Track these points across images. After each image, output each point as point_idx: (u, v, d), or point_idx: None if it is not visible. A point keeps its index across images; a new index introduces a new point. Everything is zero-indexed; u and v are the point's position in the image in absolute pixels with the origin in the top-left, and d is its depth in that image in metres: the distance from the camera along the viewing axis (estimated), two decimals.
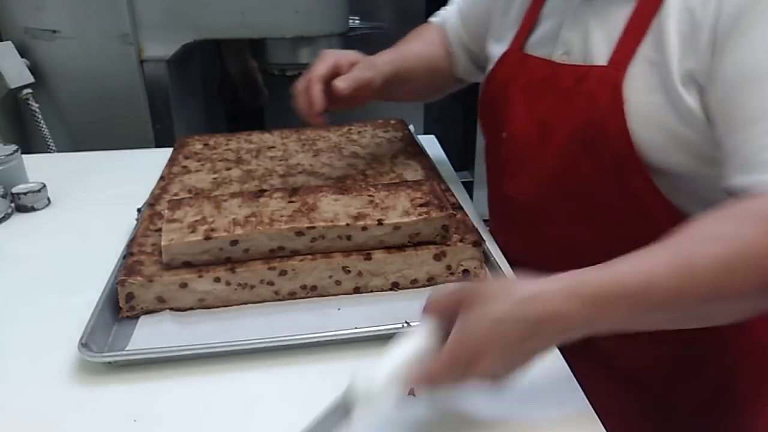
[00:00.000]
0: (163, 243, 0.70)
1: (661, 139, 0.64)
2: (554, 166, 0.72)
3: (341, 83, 0.81)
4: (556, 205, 0.66)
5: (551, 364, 0.64)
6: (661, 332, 0.58)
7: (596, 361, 0.61)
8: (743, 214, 0.53)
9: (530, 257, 0.73)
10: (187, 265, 0.70)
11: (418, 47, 0.97)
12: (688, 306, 0.51)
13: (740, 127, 0.57)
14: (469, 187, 2.08)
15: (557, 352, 0.65)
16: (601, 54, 0.69)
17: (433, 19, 1.03)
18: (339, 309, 0.71)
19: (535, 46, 0.79)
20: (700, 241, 0.52)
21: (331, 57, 0.85)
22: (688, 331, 0.59)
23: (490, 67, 0.85)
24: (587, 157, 0.68)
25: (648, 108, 0.64)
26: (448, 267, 0.75)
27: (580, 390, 0.60)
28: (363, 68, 0.85)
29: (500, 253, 0.81)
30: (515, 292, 0.49)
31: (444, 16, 1.01)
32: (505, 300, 0.49)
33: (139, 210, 0.87)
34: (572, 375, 0.62)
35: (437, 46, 0.99)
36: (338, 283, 0.73)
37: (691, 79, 0.62)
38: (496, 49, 0.84)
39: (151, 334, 0.67)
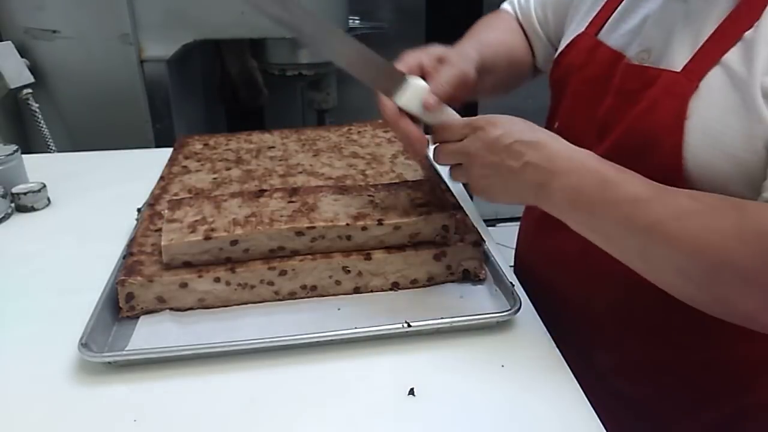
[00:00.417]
0: (163, 243, 0.70)
1: (723, 164, 0.57)
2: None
3: (432, 100, 0.66)
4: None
5: (551, 364, 0.64)
6: (667, 361, 0.68)
7: (594, 377, 0.63)
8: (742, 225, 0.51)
9: (554, 256, 0.77)
10: (187, 265, 0.70)
11: (497, 35, 0.87)
12: (632, 224, 0.55)
13: None
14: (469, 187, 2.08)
15: (558, 353, 0.65)
16: (680, 59, 0.61)
17: (506, 6, 0.95)
18: (339, 309, 0.71)
19: (613, 35, 0.72)
20: (679, 192, 0.55)
21: (412, 59, 0.70)
22: (698, 368, 0.66)
23: (562, 47, 0.79)
24: (633, 165, 0.60)
25: (717, 127, 0.57)
26: (448, 267, 0.75)
27: (581, 391, 0.60)
28: (454, 62, 0.70)
29: (500, 252, 0.81)
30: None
31: (520, 2, 0.92)
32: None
33: (139, 210, 0.87)
34: (572, 375, 0.62)
35: (516, 34, 0.90)
36: (338, 283, 0.73)
37: None
38: (572, 28, 0.79)
39: (151, 334, 0.67)
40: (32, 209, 0.98)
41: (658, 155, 0.61)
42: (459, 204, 0.86)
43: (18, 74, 1.51)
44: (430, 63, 0.69)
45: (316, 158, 1.00)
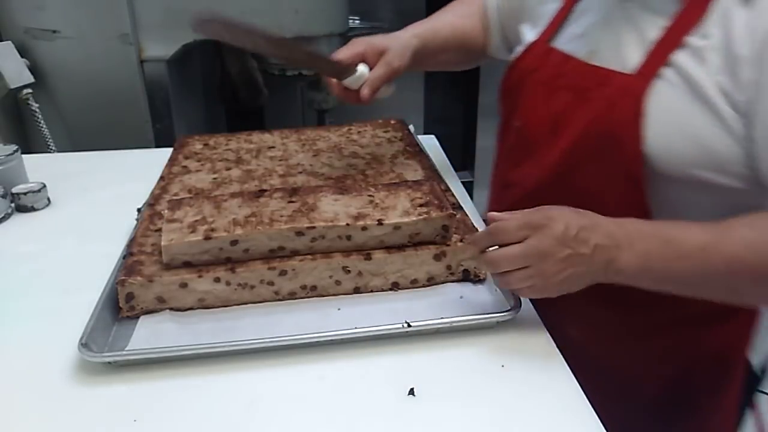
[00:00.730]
0: (163, 243, 0.70)
1: (684, 150, 0.65)
2: (560, 162, 0.73)
3: (366, 91, 0.84)
4: (556, 199, 0.68)
5: (551, 364, 0.64)
6: (627, 328, 0.76)
7: (571, 346, 0.67)
8: None
9: None
10: (187, 265, 0.70)
11: (453, 20, 0.97)
12: (710, 267, 0.59)
13: None
14: (469, 187, 2.08)
15: (558, 353, 0.65)
16: (630, 60, 0.68)
17: None
18: (339, 309, 0.71)
19: (564, 41, 0.79)
20: (734, 225, 0.60)
21: (358, 47, 0.85)
22: (651, 329, 0.75)
23: (516, 55, 0.85)
24: (595, 160, 0.70)
25: (678, 117, 0.64)
26: (448, 267, 0.75)
27: (580, 389, 0.60)
28: (389, 60, 0.85)
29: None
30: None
31: None
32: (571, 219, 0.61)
33: (139, 210, 0.87)
34: (572, 375, 0.62)
35: (474, 20, 0.98)
36: (338, 283, 0.73)
37: (727, 95, 0.62)
38: (528, 36, 0.85)
39: (151, 334, 0.67)
40: (32, 209, 0.98)
41: (620, 152, 0.67)
42: (459, 204, 0.86)
43: (18, 74, 1.51)
44: (371, 55, 0.85)
45: (316, 158, 1.00)
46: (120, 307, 0.69)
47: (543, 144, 0.76)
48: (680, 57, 0.64)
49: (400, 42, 0.87)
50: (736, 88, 0.61)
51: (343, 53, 0.85)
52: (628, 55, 0.69)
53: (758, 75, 0.60)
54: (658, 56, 0.66)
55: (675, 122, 0.64)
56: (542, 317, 0.70)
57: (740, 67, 0.61)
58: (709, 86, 0.63)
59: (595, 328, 0.79)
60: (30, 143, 1.59)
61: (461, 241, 0.75)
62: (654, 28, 0.67)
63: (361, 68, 0.84)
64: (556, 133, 0.74)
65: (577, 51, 0.75)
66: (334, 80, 0.85)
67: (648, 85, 0.65)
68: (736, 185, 0.64)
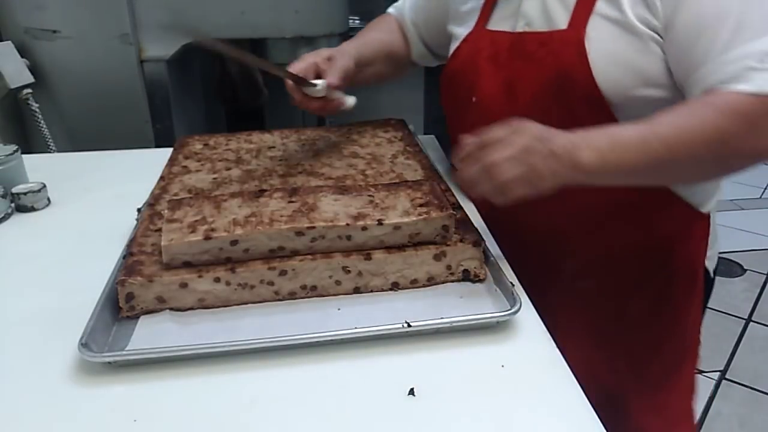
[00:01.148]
0: (163, 243, 0.70)
1: (622, 76, 0.77)
2: (525, 117, 0.78)
3: (333, 78, 0.94)
4: None
5: (551, 364, 0.64)
6: (615, 257, 0.88)
7: (562, 285, 0.77)
8: (721, 106, 0.68)
9: (503, 211, 0.85)
10: (187, 265, 0.70)
11: (378, 35, 1.09)
12: (653, 152, 0.68)
13: (699, 65, 0.71)
14: None
15: (558, 353, 0.65)
16: (560, 20, 0.81)
17: (391, 10, 1.14)
18: (339, 309, 0.71)
19: (498, 23, 0.89)
20: (660, 115, 0.69)
21: (311, 60, 0.95)
22: (635, 247, 0.87)
23: (455, 45, 0.95)
24: (557, 105, 0.80)
25: (611, 52, 0.77)
26: (448, 267, 0.75)
27: (581, 391, 0.60)
28: (339, 59, 0.96)
29: (500, 252, 0.81)
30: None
31: (400, 6, 1.13)
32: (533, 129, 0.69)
33: (139, 210, 0.87)
34: (572, 375, 0.62)
35: (395, 33, 1.10)
36: (338, 283, 0.73)
37: (646, 22, 0.75)
38: (460, 31, 0.95)
39: (151, 334, 0.67)
40: (32, 209, 0.98)
41: (578, 90, 0.78)
42: (459, 204, 0.86)
43: (18, 74, 1.51)
44: (322, 63, 0.95)
45: (316, 158, 1.00)
46: (120, 307, 0.69)
47: (502, 110, 0.82)
48: (600, 5, 0.78)
49: (343, 51, 1.00)
50: (652, 15, 0.74)
51: (298, 66, 0.93)
52: (557, 19, 0.81)
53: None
54: (583, 10, 0.78)
55: (611, 57, 0.77)
56: (540, 250, 0.80)
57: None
58: (630, 20, 0.75)
59: (588, 260, 0.92)
60: (30, 143, 1.59)
61: (461, 241, 0.75)
62: None
63: (320, 81, 0.94)
64: (512, 96, 0.82)
65: (515, 26, 0.86)
66: (296, 89, 0.94)
67: (582, 33, 0.78)
68: (672, 95, 0.76)
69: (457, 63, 0.94)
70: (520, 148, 0.67)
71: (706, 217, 0.89)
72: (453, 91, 0.96)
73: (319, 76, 0.94)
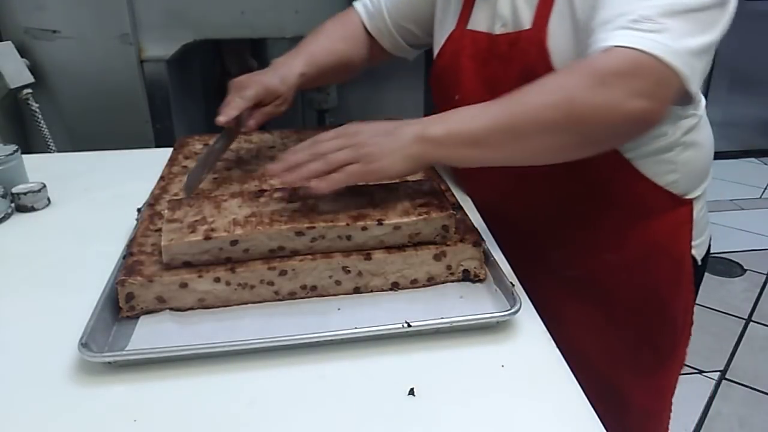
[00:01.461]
0: (163, 243, 0.70)
1: None
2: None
3: (252, 123, 0.93)
4: None
5: (551, 364, 0.64)
6: (601, 246, 0.89)
7: (548, 273, 0.77)
8: (575, 67, 0.69)
9: (492, 198, 0.92)
10: (187, 265, 0.70)
11: (331, 46, 1.03)
12: (497, 120, 0.69)
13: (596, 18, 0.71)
14: None
15: (558, 353, 0.65)
16: (526, 20, 0.83)
17: (357, 5, 1.08)
18: (339, 309, 0.71)
19: (477, 23, 0.91)
20: (529, 91, 0.69)
21: (252, 90, 0.90)
22: (623, 246, 0.89)
23: (440, 45, 0.96)
24: None
25: (570, 49, 0.79)
26: (448, 267, 0.75)
27: (581, 391, 0.60)
28: (279, 104, 0.94)
29: (500, 252, 0.81)
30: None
31: (368, 7, 1.07)
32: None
33: (139, 210, 0.87)
34: (572, 375, 0.62)
35: (351, 42, 1.06)
36: (338, 283, 0.73)
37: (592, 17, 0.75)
38: (444, 29, 0.96)
39: (151, 334, 0.67)
40: (32, 209, 0.98)
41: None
42: (459, 204, 0.86)
43: (18, 74, 1.51)
44: (266, 97, 0.91)
45: None
46: (120, 307, 0.69)
47: None
48: (558, 3, 0.79)
49: (288, 83, 0.94)
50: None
51: (237, 106, 0.89)
52: (524, 19, 0.83)
53: None
54: (544, 9, 0.81)
55: (570, 54, 0.78)
56: (525, 242, 0.82)
57: None
58: (580, 16, 0.76)
59: (570, 247, 0.94)
60: (30, 143, 1.59)
61: (461, 241, 0.75)
62: None
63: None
64: (494, 95, 0.82)
65: (494, 28, 0.88)
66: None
67: (544, 32, 0.80)
68: None
69: (443, 61, 0.95)
70: (351, 135, 0.72)
71: (688, 203, 0.89)
72: (440, 89, 0.98)
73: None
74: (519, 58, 0.83)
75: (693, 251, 0.92)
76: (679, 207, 0.89)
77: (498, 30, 0.87)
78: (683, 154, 0.86)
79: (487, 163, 0.73)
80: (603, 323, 0.94)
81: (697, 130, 0.87)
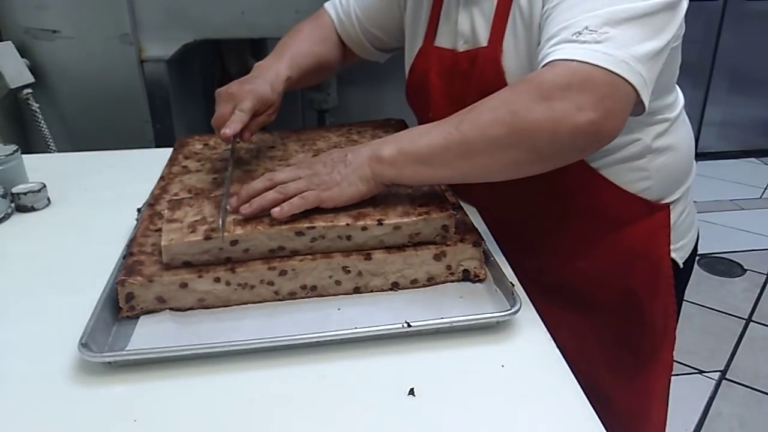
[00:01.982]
0: (163, 243, 0.70)
1: None
2: None
3: (248, 135, 0.91)
4: None
5: (551, 364, 0.64)
6: (574, 254, 0.91)
7: (525, 278, 0.77)
8: (521, 83, 0.69)
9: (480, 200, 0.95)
10: (187, 265, 0.70)
11: (311, 48, 1.03)
12: (454, 159, 0.69)
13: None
14: None
15: (558, 353, 0.65)
16: (482, 37, 0.84)
17: (328, 6, 1.08)
18: (339, 309, 0.71)
19: (443, 39, 0.92)
20: (478, 108, 0.69)
21: (249, 102, 0.88)
22: (595, 254, 0.90)
23: (411, 61, 0.98)
24: None
25: (524, 66, 0.80)
26: (448, 267, 0.75)
27: (581, 391, 0.60)
28: (267, 115, 0.93)
29: (500, 252, 0.81)
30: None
31: (339, 11, 1.06)
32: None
33: (139, 210, 0.87)
34: (572, 375, 0.62)
35: (328, 45, 1.06)
36: (338, 283, 0.73)
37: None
38: (415, 45, 0.97)
39: (151, 334, 0.67)
40: (32, 209, 0.98)
41: None
42: (459, 204, 0.86)
43: (18, 74, 1.51)
44: (261, 107, 0.90)
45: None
46: (120, 307, 0.69)
47: None
48: (512, 20, 0.81)
49: (276, 90, 0.94)
50: None
51: (240, 119, 0.87)
52: (481, 36, 0.85)
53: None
54: (498, 26, 0.82)
55: (524, 70, 0.79)
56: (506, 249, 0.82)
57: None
58: (536, 32, 0.77)
59: (546, 257, 0.95)
60: (30, 143, 1.59)
61: (461, 241, 0.75)
62: (492, 6, 0.83)
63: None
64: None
65: (457, 45, 0.89)
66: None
67: (499, 49, 0.82)
68: None
69: (414, 77, 0.97)
70: (305, 167, 0.75)
71: (664, 208, 0.88)
72: (415, 105, 0.99)
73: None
74: (478, 76, 0.84)
75: (673, 254, 0.91)
76: (655, 213, 0.88)
77: (461, 47, 0.88)
78: (656, 160, 0.85)
79: (443, 181, 0.74)
80: (580, 325, 0.94)
81: (669, 134, 0.86)
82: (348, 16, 1.05)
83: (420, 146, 0.71)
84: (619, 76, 0.64)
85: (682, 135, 0.89)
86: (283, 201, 0.72)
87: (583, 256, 0.92)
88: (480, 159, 0.69)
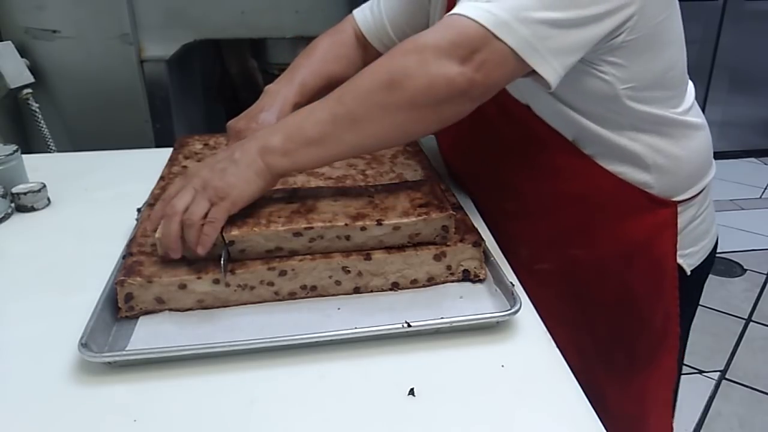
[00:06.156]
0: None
1: (523, 86, 0.79)
2: (473, 121, 0.80)
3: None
4: (474, 145, 0.92)
5: (551, 364, 0.64)
6: (568, 241, 0.91)
7: (520, 266, 0.78)
8: (402, 43, 0.69)
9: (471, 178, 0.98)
10: (185, 261, 0.70)
11: (321, 68, 0.99)
12: (344, 133, 0.69)
13: None
14: None
15: (558, 353, 0.65)
16: None
17: (357, 13, 1.04)
18: (339, 309, 0.71)
19: None
20: (357, 78, 0.69)
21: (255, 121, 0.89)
22: (592, 242, 0.89)
23: None
24: (493, 104, 0.77)
25: None
26: (448, 267, 0.75)
27: (581, 391, 0.60)
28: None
29: (500, 252, 0.81)
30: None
31: (367, 16, 1.03)
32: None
33: (139, 210, 0.87)
34: (572, 375, 0.62)
35: (345, 61, 1.01)
36: (338, 283, 0.73)
37: None
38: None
39: (151, 334, 0.67)
40: (32, 209, 0.98)
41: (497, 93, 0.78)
42: (459, 204, 0.86)
43: (18, 74, 1.51)
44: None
45: None
46: (119, 307, 0.69)
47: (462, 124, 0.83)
48: None
49: (280, 106, 0.92)
50: None
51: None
52: None
53: None
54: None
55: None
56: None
57: None
58: None
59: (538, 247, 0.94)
60: (30, 143, 1.59)
61: (461, 241, 0.75)
62: None
63: None
64: (478, 115, 0.82)
65: None
66: None
67: None
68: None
69: None
70: (192, 177, 0.71)
71: (671, 205, 0.86)
72: None
73: None
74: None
75: (680, 260, 0.89)
76: (659, 209, 0.86)
77: None
78: (654, 156, 0.83)
79: (337, 158, 0.73)
80: (575, 318, 0.94)
81: (670, 131, 0.84)
82: (380, 23, 1.02)
83: (307, 128, 0.70)
84: (493, 34, 0.65)
85: (689, 134, 0.87)
86: (197, 232, 0.68)
87: (578, 244, 0.91)
88: (368, 127, 0.69)
